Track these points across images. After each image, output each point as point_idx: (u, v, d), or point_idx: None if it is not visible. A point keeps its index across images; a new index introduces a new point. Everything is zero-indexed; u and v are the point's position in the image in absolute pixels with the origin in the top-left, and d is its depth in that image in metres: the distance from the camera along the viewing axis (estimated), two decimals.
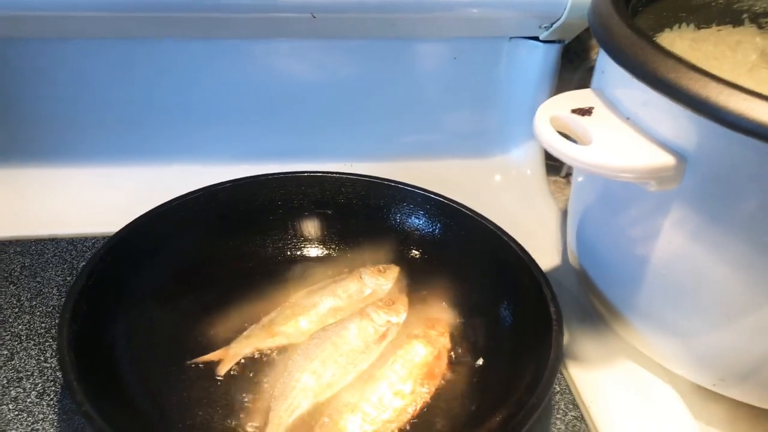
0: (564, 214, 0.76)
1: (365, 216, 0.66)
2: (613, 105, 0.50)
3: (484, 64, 0.76)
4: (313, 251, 0.66)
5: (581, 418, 0.55)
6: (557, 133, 0.48)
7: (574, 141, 0.49)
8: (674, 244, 0.50)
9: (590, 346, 0.60)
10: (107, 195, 0.73)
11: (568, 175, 0.83)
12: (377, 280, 0.63)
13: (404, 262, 0.64)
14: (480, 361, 0.56)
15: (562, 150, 0.47)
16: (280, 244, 0.66)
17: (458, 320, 0.60)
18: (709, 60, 0.55)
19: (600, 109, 0.50)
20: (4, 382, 0.55)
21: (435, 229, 0.65)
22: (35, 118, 0.73)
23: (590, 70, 0.83)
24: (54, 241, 0.68)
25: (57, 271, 0.65)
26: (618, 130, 0.48)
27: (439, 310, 0.60)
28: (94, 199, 0.73)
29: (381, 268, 0.64)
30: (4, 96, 0.72)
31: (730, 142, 0.43)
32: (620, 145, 0.47)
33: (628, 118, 0.49)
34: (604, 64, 0.53)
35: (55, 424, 0.52)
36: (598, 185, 0.58)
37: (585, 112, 0.50)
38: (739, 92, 0.42)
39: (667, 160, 0.46)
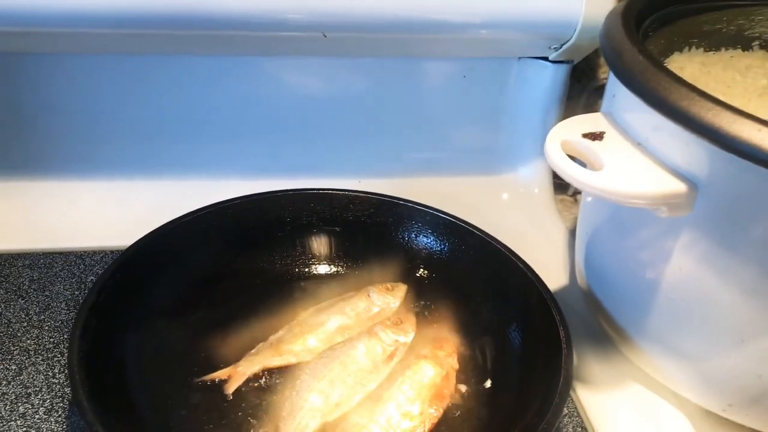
0: (571, 233, 0.76)
1: (373, 234, 0.66)
2: (624, 130, 0.50)
3: (493, 83, 0.77)
4: (321, 269, 0.66)
5: None
6: (568, 158, 0.48)
7: (584, 165, 0.49)
8: (684, 269, 0.50)
9: (598, 369, 0.60)
10: (116, 209, 0.73)
11: (576, 193, 0.83)
12: (385, 298, 0.63)
13: (412, 280, 0.64)
14: (488, 383, 0.56)
15: (574, 175, 0.47)
16: (288, 261, 0.66)
17: (466, 341, 0.60)
18: (720, 85, 0.56)
19: (611, 134, 0.50)
20: (13, 397, 0.55)
21: (443, 248, 0.65)
22: (46, 132, 0.74)
23: (598, 89, 0.83)
24: (63, 255, 0.68)
25: (66, 285, 0.65)
26: (629, 156, 0.48)
27: (447, 330, 0.60)
28: (102, 213, 0.73)
29: (389, 286, 0.64)
30: (16, 109, 0.72)
31: (742, 170, 0.44)
32: (632, 171, 0.47)
33: (639, 144, 0.49)
34: (615, 88, 0.53)
35: None
36: (608, 207, 0.58)
37: (596, 136, 0.50)
38: (752, 121, 0.42)
39: (679, 187, 0.46)
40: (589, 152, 0.49)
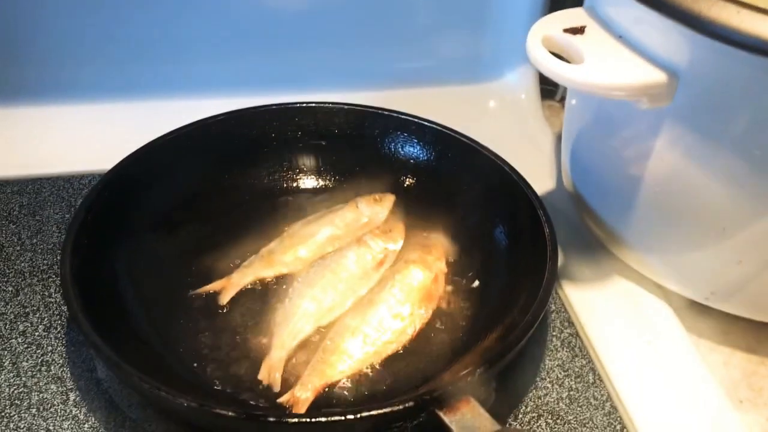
0: (558, 138, 0.76)
1: (360, 146, 0.66)
2: (605, 23, 0.50)
3: None
4: (309, 183, 0.67)
5: (576, 335, 0.56)
6: (549, 54, 0.48)
7: (567, 61, 0.49)
8: (667, 162, 0.51)
9: (585, 267, 0.61)
10: (102, 132, 0.73)
11: (563, 99, 0.82)
12: (373, 208, 0.63)
13: (400, 190, 0.65)
14: (476, 283, 0.57)
15: (554, 70, 0.47)
16: (275, 176, 0.66)
17: (454, 245, 0.60)
18: None
19: (592, 28, 0.50)
20: (12, 317, 0.56)
21: (430, 157, 0.65)
22: (27, 56, 0.73)
23: None
24: (51, 180, 0.68)
25: (55, 209, 0.66)
26: (610, 49, 0.48)
27: (436, 235, 0.61)
28: (88, 136, 0.73)
29: (377, 197, 0.64)
30: None
31: (723, 56, 0.43)
32: (612, 63, 0.47)
33: (620, 36, 0.49)
34: None
35: (64, 354, 0.53)
36: (592, 107, 0.58)
37: (577, 31, 0.50)
38: (732, 4, 0.41)
39: (659, 76, 0.46)
40: (569, 47, 0.49)
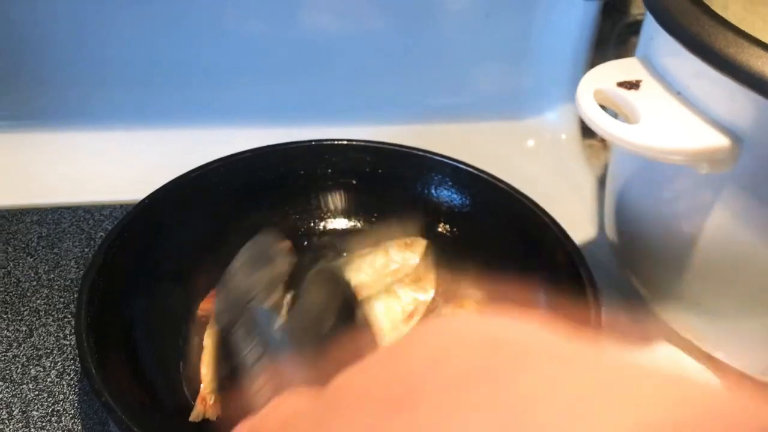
0: (599, 181, 0.72)
1: (391, 186, 0.63)
2: (662, 77, 0.47)
3: (517, 21, 0.72)
4: (338, 223, 0.64)
5: None
6: (602, 110, 0.45)
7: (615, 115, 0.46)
8: (723, 227, 0.47)
9: (626, 327, 0.57)
10: (124, 161, 0.71)
11: (605, 138, 0.79)
12: (404, 254, 0.60)
13: (431, 235, 0.61)
14: None
15: (608, 130, 0.44)
16: (302, 216, 0.63)
17: (488, 298, 0.57)
18: None
19: (648, 83, 0.46)
20: (24, 360, 0.54)
21: (464, 202, 0.62)
22: (53, 80, 0.71)
23: (629, 26, 0.78)
24: (71, 210, 0.66)
25: (74, 241, 0.63)
26: (668, 107, 0.45)
27: (468, 287, 0.58)
28: (111, 165, 0.70)
29: (408, 241, 0.61)
30: (19, 58, 0.69)
31: None
32: (671, 125, 0.44)
33: (678, 93, 0.45)
34: (653, 31, 0.48)
35: (76, 405, 0.51)
36: (641, 157, 0.54)
37: (632, 85, 0.46)
38: None
39: (721, 141, 0.43)
40: (624, 103, 0.46)
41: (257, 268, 0.39)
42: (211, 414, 0.49)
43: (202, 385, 0.50)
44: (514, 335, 0.21)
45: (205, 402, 0.49)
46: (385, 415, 0.20)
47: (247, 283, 0.38)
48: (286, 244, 0.41)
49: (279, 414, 0.24)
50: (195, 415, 0.49)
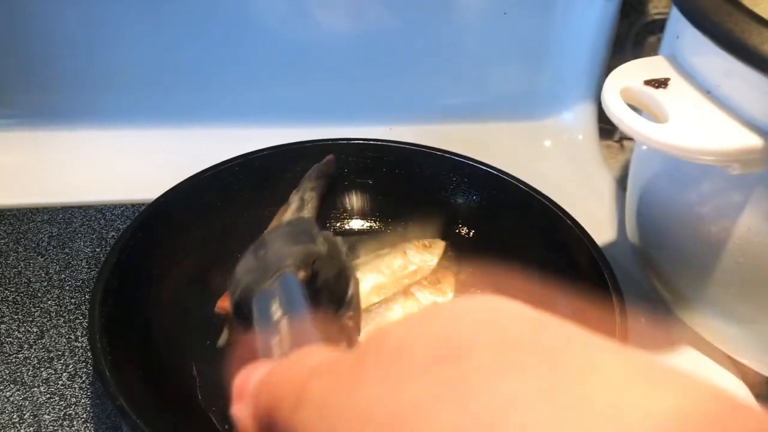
0: (618, 182, 0.71)
1: (408, 187, 0.62)
2: (690, 76, 0.45)
3: (535, 19, 0.71)
4: (354, 224, 0.63)
5: None
6: (630, 109, 0.44)
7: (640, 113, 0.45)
8: (754, 230, 0.46)
9: (651, 332, 0.56)
10: (137, 160, 0.70)
11: (623, 138, 0.78)
12: (422, 255, 0.59)
13: (450, 237, 0.60)
14: None
15: (637, 128, 0.42)
16: (318, 216, 0.62)
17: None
18: None
19: (676, 81, 0.45)
20: (35, 362, 0.53)
21: (483, 203, 0.60)
22: (62, 80, 0.70)
23: (647, 25, 0.77)
24: (82, 209, 0.65)
25: (86, 241, 0.62)
26: (698, 106, 0.43)
27: (488, 290, 0.57)
28: (124, 164, 0.69)
29: (426, 243, 0.60)
30: (30, 56, 0.68)
31: None
32: (701, 124, 0.42)
33: (708, 92, 0.44)
34: (680, 28, 0.47)
35: (88, 408, 0.50)
36: (666, 156, 0.53)
37: (660, 83, 0.45)
38: None
39: (754, 141, 0.41)
40: (652, 102, 0.44)
41: (296, 242, 0.39)
42: None
43: None
44: (557, 320, 0.20)
45: None
46: (429, 368, 0.19)
47: (283, 251, 0.38)
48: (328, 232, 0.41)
49: (307, 361, 0.23)
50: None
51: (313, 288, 0.39)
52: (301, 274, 0.38)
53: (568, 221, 0.55)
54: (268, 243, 0.41)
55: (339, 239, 0.42)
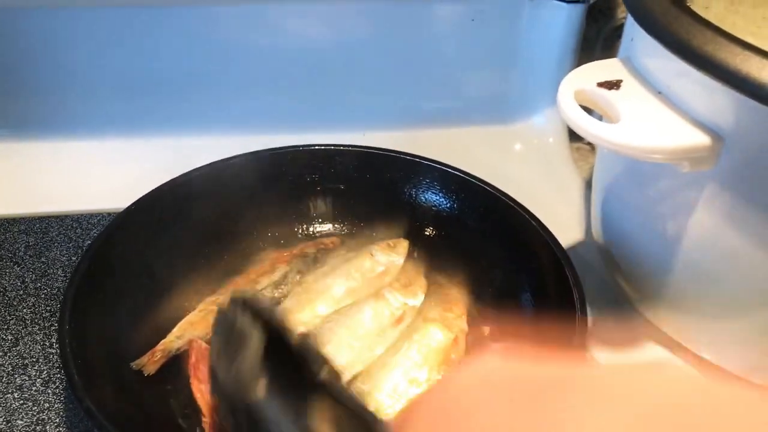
0: (588, 184, 0.72)
1: (379, 191, 0.63)
2: (643, 77, 0.47)
3: (503, 26, 0.72)
4: (326, 228, 0.64)
5: None
6: (582, 109, 0.45)
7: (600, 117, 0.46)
8: (707, 226, 0.47)
9: (615, 329, 0.57)
10: (113, 170, 0.71)
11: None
12: (389, 255, 0.60)
13: (420, 240, 0.62)
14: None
15: (588, 129, 0.44)
16: (291, 221, 0.63)
17: (476, 302, 0.57)
18: (749, 25, 0.51)
19: (629, 82, 0.46)
20: (9, 369, 0.54)
21: (452, 206, 0.62)
22: (39, 89, 0.71)
23: (616, 30, 0.78)
24: (59, 219, 0.66)
25: (62, 250, 0.63)
26: (649, 106, 0.45)
27: (457, 291, 0.58)
28: (99, 174, 0.70)
29: (390, 243, 0.61)
30: (7, 67, 0.69)
31: None
32: (651, 124, 0.44)
33: (659, 93, 0.45)
34: (633, 31, 0.49)
35: (61, 414, 0.51)
36: (626, 158, 0.54)
37: (612, 85, 0.47)
38: None
39: (702, 140, 0.43)
40: (605, 103, 0.46)
41: (234, 353, 0.39)
42: None
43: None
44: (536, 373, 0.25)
45: None
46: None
47: (231, 377, 0.38)
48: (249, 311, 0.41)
49: None
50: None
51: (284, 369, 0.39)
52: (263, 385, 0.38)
53: (533, 222, 0.56)
54: (216, 373, 0.41)
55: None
